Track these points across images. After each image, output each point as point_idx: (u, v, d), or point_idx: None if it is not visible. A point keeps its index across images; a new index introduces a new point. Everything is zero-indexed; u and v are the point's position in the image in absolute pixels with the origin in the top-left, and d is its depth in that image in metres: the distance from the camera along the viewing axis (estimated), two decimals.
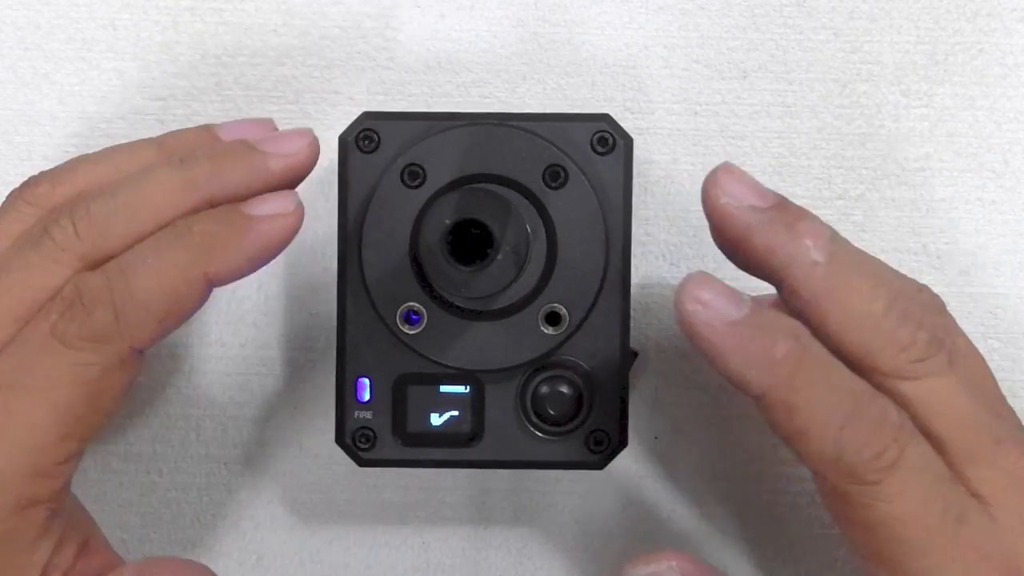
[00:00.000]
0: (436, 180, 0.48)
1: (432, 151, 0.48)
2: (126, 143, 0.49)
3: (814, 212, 0.53)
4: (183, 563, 0.45)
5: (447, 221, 0.45)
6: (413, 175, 0.48)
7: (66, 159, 0.54)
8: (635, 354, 0.50)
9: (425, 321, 0.48)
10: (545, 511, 0.56)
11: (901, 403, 0.43)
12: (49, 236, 0.44)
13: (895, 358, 0.42)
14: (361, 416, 0.49)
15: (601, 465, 0.49)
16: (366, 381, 0.49)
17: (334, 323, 0.49)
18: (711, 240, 0.52)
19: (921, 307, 0.43)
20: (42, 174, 0.47)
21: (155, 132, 0.54)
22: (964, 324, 0.53)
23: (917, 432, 0.42)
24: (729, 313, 0.41)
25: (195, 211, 0.44)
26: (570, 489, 0.56)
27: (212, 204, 0.45)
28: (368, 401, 0.49)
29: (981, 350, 0.53)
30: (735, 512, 0.55)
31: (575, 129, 0.48)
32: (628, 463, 0.55)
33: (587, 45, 0.55)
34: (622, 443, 0.49)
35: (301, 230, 0.53)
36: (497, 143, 0.48)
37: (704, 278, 0.42)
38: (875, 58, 0.55)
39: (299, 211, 0.45)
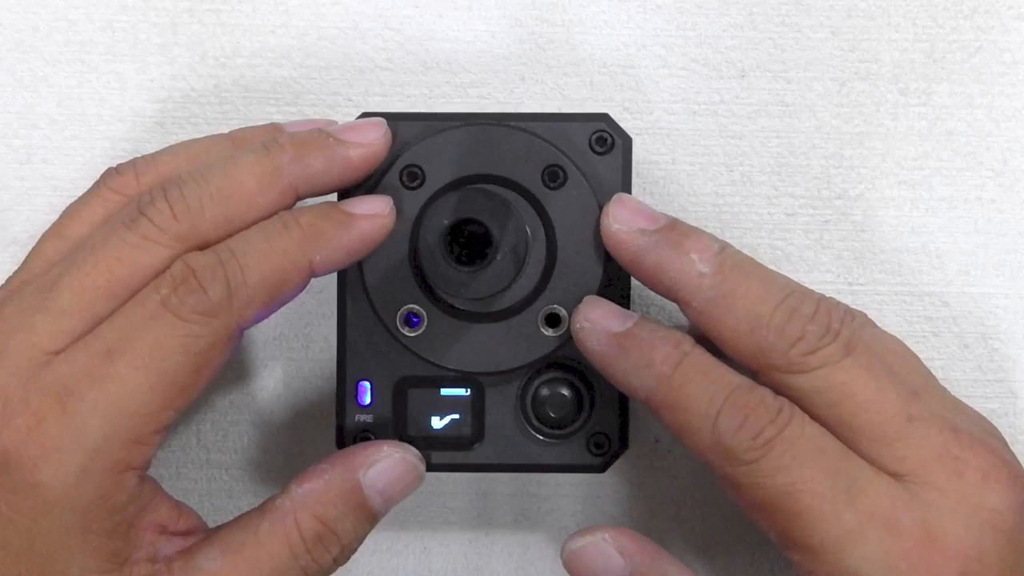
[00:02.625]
0: (435, 181, 0.48)
1: (431, 152, 0.48)
2: (199, 138, 0.50)
3: (813, 212, 0.53)
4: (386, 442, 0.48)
5: (446, 222, 0.45)
6: (412, 176, 0.48)
7: (65, 161, 0.54)
8: None
9: (425, 323, 0.48)
10: (546, 514, 0.56)
11: (799, 396, 0.44)
12: (145, 216, 0.45)
13: (786, 354, 0.44)
14: (362, 419, 0.49)
15: (602, 468, 0.49)
16: (367, 384, 0.49)
17: (334, 326, 0.49)
18: None
19: (814, 306, 0.45)
20: (125, 164, 0.49)
21: (154, 135, 0.55)
22: (964, 324, 0.54)
23: (800, 415, 0.44)
24: (612, 327, 0.46)
25: (283, 198, 0.46)
26: (571, 492, 0.56)
27: (297, 191, 0.46)
28: (369, 404, 0.49)
29: (981, 350, 0.53)
30: (736, 515, 0.55)
31: (574, 129, 0.48)
32: (629, 466, 0.55)
33: (585, 45, 0.55)
34: (623, 446, 0.49)
35: None
36: (496, 143, 0.48)
37: (595, 301, 0.47)
38: (873, 56, 0.55)
39: (393, 213, 0.47)
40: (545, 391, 0.49)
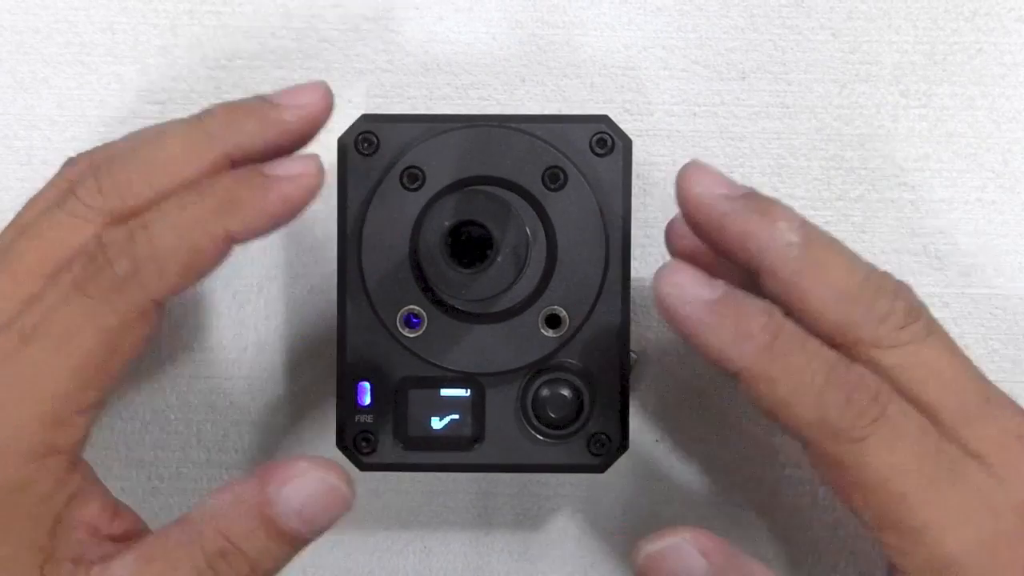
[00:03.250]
0: (435, 182, 0.48)
1: (431, 153, 0.48)
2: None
3: (813, 213, 0.54)
4: (312, 458, 0.45)
5: (447, 223, 0.45)
6: (412, 177, 0.48)
7: None
8: (635, 356, 0.50)
9: (425, 324, 0.48)
10: (547, 514, 0.56)
11: (886, 372, 0.44)
12: (73, 195, 0.44)
13: (876, 328, 0.43)
14: (362, 420, 0.49)
15: (602, 468, 0.49)
16: (367, 385, 0.49)
17: (334, 327, 0.49)
18: None
19: (895, 284, 0.45)
20: (81, 153, 0.48)
21: None
22: (965, 325, 0.54)
23: (896, 394, 0.43)
24: (704, 293, 0.43)
25: (214, 167, 0.45)
26: (571, 492, 0.56)
27: (231, 160, 0.45)
28: (369, 405, 0.49)
29: (981, 351, 0.53)
30: (736, 515, 0.55)
31: (574, 131, 0.48)
32: (629, 466, 0.55)
33: (586, 47, 0.55)
34: (623, 446, 0.49)
35: (300, 233, 0.53)
36: (496, 145, 0.48)
37: (679, 264, 0.43)
38: (874, 58, 0.55)
39: (319, 172, 0.44)
40: (545, 391, 0.48)
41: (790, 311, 0.44)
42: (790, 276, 0.44)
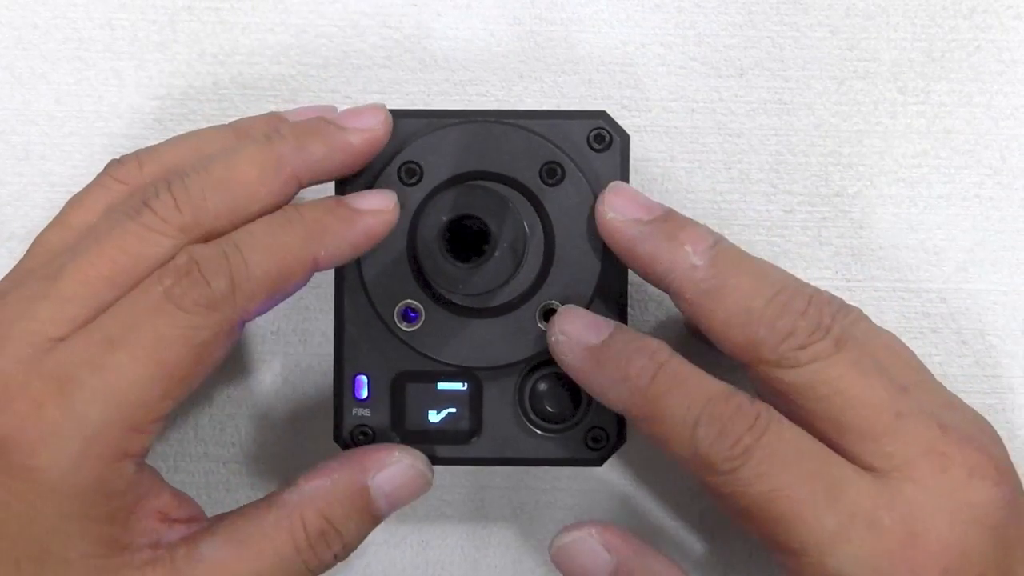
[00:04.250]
0: (433, 177, 0.48)
1: (429, 148, 0.48)
2: (200, 129, 0.50)
3: (811, 209, 0.53)
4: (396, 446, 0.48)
5: (444, 218, 0.45)
6: (410, 172, 0.48)
7: (63, 157, 0.54)
8: None
9: (423, 318, 0.48)
10: (544, 508, 0.56)
11: (788, 391, 0.45)
12: (149, 207, 0.45)
13: (776, 348, 0.45)
14: (359, 414, 0.49)
15: (600, 462, 0.49)
16: (364, 379, 0.49)
17: (332, 321, 0.49)
18: None
19: (806, 301, 0.46)
20: (128, 154, 0.49)
21: (152, 132, 0.55)
22: (962, 321, 0.54)
23: (779, 418, 0.44)
24: (588, 339, 0.46)
25: (285, 188, 0.46)
26: (569, 486, 0.56)
27: (299, 180, 0.46)
28: (366, 399, 0.49)
29: (979, 347, 0.53)
30: None
31: (572, 126, 0.48)
32: (626, 460, 0.55)
33: (583, 43, 0.55)
34: (620, 440, 0.49)
35: None
36: (494, 140, 0.48)
37: (571, 312, 0.47)
38: (872, 55, 0.55)
39: (397, 209, 0.47)
40: (543, 385, 0.49)
41: (703, 333, 0.46)
42: (695, 297, 0.46)
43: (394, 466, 0.47)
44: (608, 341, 0.46)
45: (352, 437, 0.49)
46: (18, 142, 0.55)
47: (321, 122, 0.47)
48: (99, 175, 0.48)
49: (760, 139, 0.55)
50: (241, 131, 0.49)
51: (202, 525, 0.46)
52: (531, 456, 0.49)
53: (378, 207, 0.46)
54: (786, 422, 0.44)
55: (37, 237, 0.48)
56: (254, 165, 0.46)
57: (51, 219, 0.48)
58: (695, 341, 0.52)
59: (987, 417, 0.47)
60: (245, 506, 0.47)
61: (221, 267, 0.44)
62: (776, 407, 0.45)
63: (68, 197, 0.48)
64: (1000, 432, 0.47)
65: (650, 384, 0.45)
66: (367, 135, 0.47)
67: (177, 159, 0.48)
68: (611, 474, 0.55)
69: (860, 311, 0.47)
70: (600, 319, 0.47)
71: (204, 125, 0.54)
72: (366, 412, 0.49)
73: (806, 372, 0.45)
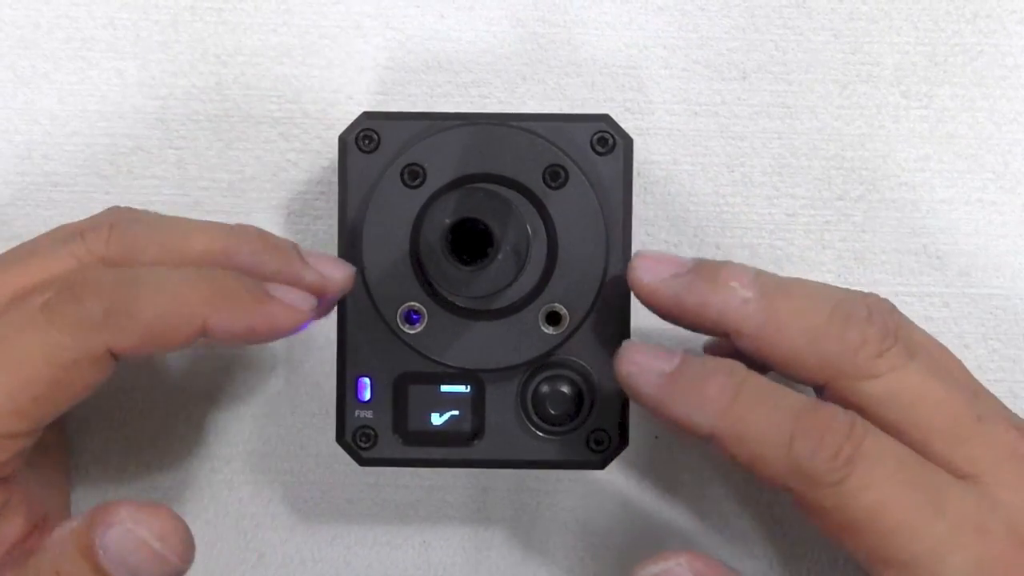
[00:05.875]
0: (436, 180, 0.48)
1: (432, 151, 0.48)
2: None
3: (814, 212, 0.54)
4: (141, 506, 0.44)
5: (447, 220, 0.45)
6: (413, 175, 0.48)
7: (66, 157, 0.54)
8: None
9: (426, 320, 0.48)
10: (546, 510, 0.56)
11: (871, 403, 0.44)
12: (82, 237, 0.45)
13: (852, 360, 0.44)
14: (362, 415, 0.49)
15: (602, 465, 0.49)
16: (367, 380, 0.49)
17: (335, 322, 0.49)
18: (711, 240, 0.53)
19: (866, 309, 0.45)
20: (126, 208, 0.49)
21: (155, 132, 0.55)
22: (964, 325, 0.54)
23: (872, 427, 0.43)
24: (662, 367, 0.44)
25: (224, 262, 0.46)
26: (571, 488, 0.55)
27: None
28: (369, 400, 0.49)
29: (981, 351, 0.53)
30: (735, 512, 0.55)
31: (575, 129, 0.48)
32: (628, 463, 0.55)
33: (587, 45, 0.55)
34: (622, 443, 0.49)
35: (302, 230, 0.53)
36: (497, 143, 0.48)
37: (636, 344, 0.46)
38: (875, 59, 0.55)
39: (310, 315, 0.45)
40: (545, 388, 0.49)
41: (769, 365, 0.45)
42: (755, 331, 0.45)
43: (118, 527, 0.43)
44: (681, 366, 0.44)
45: (355, 438, 0.49)
46: (21, 141, 0.55)
47: (291, 247, 0.47)
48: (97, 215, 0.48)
49: (763, 142, 0.55)
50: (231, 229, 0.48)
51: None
52: (533, 458, 0.49)
53: (291, 302, 0.45)
54: (876, 429, 0.43)
55: None
56: (205, 240, 0.46)
57: (53, 219, 0.48)
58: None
59: None
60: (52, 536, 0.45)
61: (104, 291, 0.43)
62: None
63: (71, 197, 0.48)
64: None
65: (733, 402, 0.43)
66: (320, 279, 0.47)
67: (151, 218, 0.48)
68: (613, 477, 0.55)
69: (907, 318, 0.46)
70: (665, 347, 0.45)
71: (207, 125, 0.55)
72: (369, 414, 0.49)
73: (887, 381, 0.44)
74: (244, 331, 0.44)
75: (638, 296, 0.47)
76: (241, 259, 0.46)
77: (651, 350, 0.45)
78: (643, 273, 0.46)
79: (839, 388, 0.44)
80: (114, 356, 0.43)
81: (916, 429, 0.44)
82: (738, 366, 0.44)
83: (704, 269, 0.46)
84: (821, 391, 0.45)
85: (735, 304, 0.45)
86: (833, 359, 0.44)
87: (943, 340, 0.47)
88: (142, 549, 0.43)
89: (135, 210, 0.48)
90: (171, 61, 0.55)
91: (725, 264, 0.46)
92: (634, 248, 0.49)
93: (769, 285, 0.45)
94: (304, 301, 0.45)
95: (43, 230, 0.49)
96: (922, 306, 0.54)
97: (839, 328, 0.44)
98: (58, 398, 0.43)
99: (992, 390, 0.47)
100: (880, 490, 0.42)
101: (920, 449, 0.44)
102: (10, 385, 0.42)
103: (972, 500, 0.43)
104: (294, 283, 0.46)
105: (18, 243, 0.53)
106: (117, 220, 0.46)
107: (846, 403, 0.44)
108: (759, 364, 0.45)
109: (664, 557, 0.45)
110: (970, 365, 0.47)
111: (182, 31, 0.55)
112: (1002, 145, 0.55)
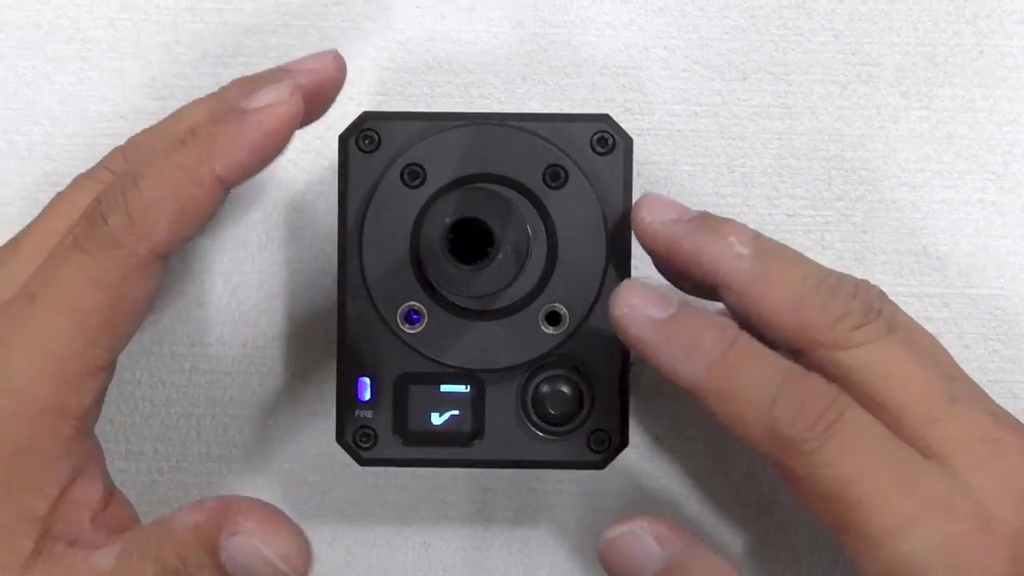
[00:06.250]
0: (436, 180, 0.48)
1: (432, 151, 0.48)
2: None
3: (814, 213, 0.54)
4: (263, 519, 0.44)
5: (447, 220, 0.45)
6: (413, 175, 0.48)
7: (67, 158, 0.54)
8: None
9: (426, 320, 0.48)
10: (546, 511, 0.56)
11: (847, 373, 0.44)
12: (101, 164, 0.46)
13: (832, 329, 0.44)
14: (362, 415, 0.49)
15: (602, 465, 0.49)
16: (367, 380, 0.49)
17: (335, 322, 0.49)
18: None
19: (854, 287, 0.45)
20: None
21: None
22: (964, 325, 0.54)
23: (852, 401, 0.43)
24: (655, 313, 0.44)
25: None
26: (571, 489, 0.56)
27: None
28: (369, 400, 0.49)
29: (981, 351, 0.53)
30: (736, 512, 0.55)
31: (575, 129, 0.48)
32: (629, 463, 0.55)
33: (587, 46, 0.55)
34: (623, 443, 0.49)
35: (301, 229, 0.53)
36: (497, 143, 0.48)
37: (634, 285, 0.45)
38: (875, 60, 0.55)
39: (295, 98, 0.45)
40: (545, 388, 0.48)
41: (750, 322, 0.45)
42: (743, 287, 0.45)
43: (241, 537, 0.43)
44: (677, 314, 0.44)
45: (355, 439, 0.49)
46: (21, 142, 0.55)
47: (275, 69, 0.48)
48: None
49: (763, 143, 0.55)
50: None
51: (105, 535, 0.44)
52: (533, 459, 0.49)
53: (269, 101, 0.44)
54: (856, 404, 0.43)
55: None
56: (198, 111, 0.47)
57: None
58: None
59: None
60: (149, 522, 0.45)
61: (117, 202, 0.43)
62: None
63: None
64: None
65: (724, 356, 0.43)
66: (312, 75, 0.47)
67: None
68: (613, 477, 0.55)
69: (896, 304, 0.47)
70: (664, 294, 0.45)
71: None
72: (369, 414, 0.49)
73: (864, 352, 0.44)
74: (250, 158, 0.44)
75: (637, 234, 0.47)
76: (229, 105, 0.46)
77: (649, 293, 0.45)
78: (647, 212, 0.46)
79: (816, 356, 0.45)
80: (157, 256, 0.44)
81: (889, 403, 0.44)
82: (731, 323, 0.45)
83: (707, 220, 0.46)
84: (798, 358, 0.45)
85: (729, 257, 0.45)
86: (812, 325, 0.44)
87: (943, 340, 0.47)
88: (265, 566, 0.43)
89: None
90: (172, 62, 0.55)
91: (728, 220, 0.46)
92: (634, 248, 0.49)
93: (766, 247, 0.46)
94: (280, 91, 0.44)
95: None
96: (922, 306, 0.55)
97: (823, 298, 0.44)
98: (121, 317, 0.44)
99: (992, 390, 0.47)
100: (853, 462, 0.42)
101: (892, 425, 0.44)
102: (70, 320, 0.43)
103: (942, 480, 0.43)
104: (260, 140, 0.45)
105: None
106: (123, 146, 0.47)
107: (821, 372, 0.44)
108: (741, 324, 0.45)
109: (628, 519, 0.46)
110: (970, 365, 0.47)
111: (183, 32, 0.55)
112: (1002, 146, 0.55)
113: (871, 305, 0.45)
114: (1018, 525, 0.43)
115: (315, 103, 0.47)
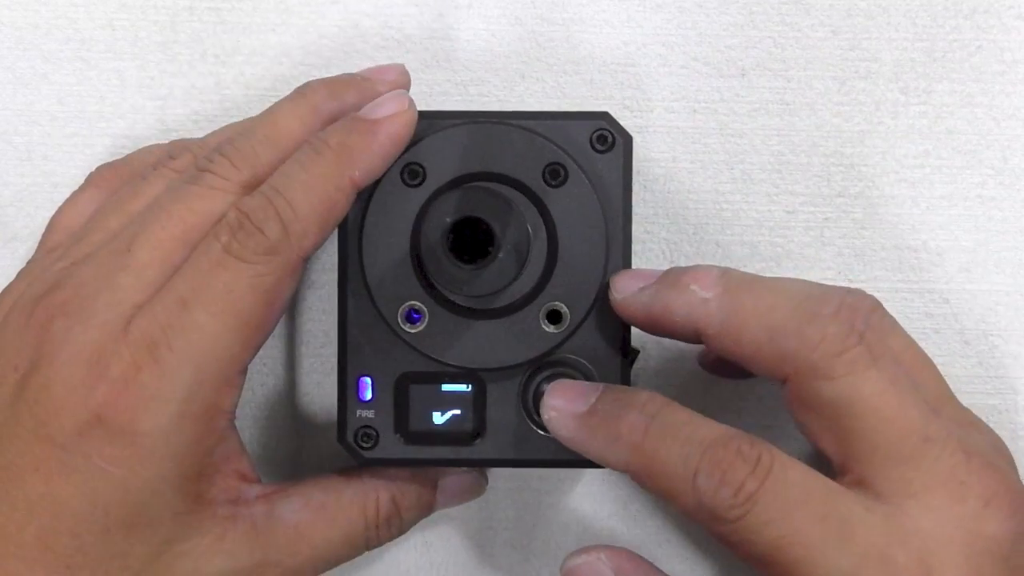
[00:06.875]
0: (436, 179, 0.48)
1: (432, 150, 0.48)
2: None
3: (813, 209, 0.54)
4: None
5: (448, 219, 0.45)
6: (413, 174, 0.48)
7: (66, 158, 0.54)
8: (636, 352, 0.50)
9: (426, 320, 0.48)
10: (547, 509, 0.56)
11: (823, 405, 0.44)
12: (208, 170, 0.47)
13: (809, 358, 0.44)
14: (363, 415, 0.49)
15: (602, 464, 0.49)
16: (368, 380, 0.49)
17: (335, 322, 0.49)
18: (711, 237, 0.53)
19: (835, 306, 0.44)
20: (176, 144, 0.52)
21: (154, 131, 0.55)
22: (964, 321, 0.54)
23: (782, 460, 0.43)
24: (576, 408, 0.46)
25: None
26: (572, 487, 0.56)
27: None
28: (370, 400, 0.49)
29: (982, 347, 0.53)
30: None
31: (574, 127, 0.48)
32: None
33: (585, 43, 0.55)
34: None
35: None
36: (496, 141, 0.48)
37: (557, 387, 0.47)
38: (873, 55, 0.55)
39: (413, 107, 0.48)
40: (546, 387, 0.48)
41: (738, 362, 0.46)
42: (717, 329, 0.45)
43: (459, 473, 0.52)
44: (596, 405, 0.46)
45: (356, 438, 0.49)
46: (20, 143, 0.55)
47: (348, 76, 0.50)
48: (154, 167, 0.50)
49: (762, 139, 0.55)
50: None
51: (273, 487, 0.48)
52: (535, 457, 0.49)
53: (394, 111, 0.47)
54: (790, 461, 0.43)
55: (54, 217, 0.51)
56: (290, 116, 0.48)
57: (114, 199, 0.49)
58: (706, 375, 0.52)
59: (990, 419, 0.47)
60: (320, 476, 0.49)
61: (269, 213, 0.45)
62: (809, 425, 0.45)
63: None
64: (1003, 433, 0.47)
65: (644, 439, 0.45)
66: (391, 87, 0.49)
67: (232, 131, 0.50)
68: (613, 477, 0.55)
69: (892, 319, 0.46)
70: (589, 385, 0.47)
71: (207, 126, 0.55)
72: (370, 413, 0.49)
73: (842, 385, 0.44)
74: (382, 162, 0.47)
75: (617, 314, 0.48)
76: (325, 113, 0.49)
77: (570, 391, 0.47)
78: (615, 291, 0.48)
79: (798, 385, 0.44)
80: (306, 259, 0.46)
81: (860, 441, 0.44)
82: (656, 398, 0.46)
83: (668, 276, 0.47)
84: (785, 387, 0.45)
85: (696, 305, 0.45)
86: (791, 355, 0.44)
87: (943, 337, 0.47)
88: (472, 488, 0.53)
89: (192, 140, 0.52)
90: (170, 61, 0.55)
91: (690, 268, 0.47)
92: (634, 246, 0.49)
93: (733, 283, 0.46)
94: (401, 100, 0.48)
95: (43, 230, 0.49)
96: (922, 302, 0.55)
97: (799, 323, 0.44)
98: (272, 318, 0.46)
99: (992, 387, 0.47)
100: (782, 525, 0.42)
101: (857, 460, 0.44)
102: (233, 324, 0.45)
103: (883, 531, 0.43)
104: (376, 96, 0.49)
105: (17, 244, 0.53)
106: (215, 147, 0.48)
107: (804, 401, 0.44)
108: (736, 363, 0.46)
109: (587, 550, 0.48)
110: (970, 362, 0.47)
111: (181, 31, 0.55)
112: (1001, 141, 0.55)
113: (853, 325, 0.44)
114: (966, 571, 0.43)
115: None
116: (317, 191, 0.46)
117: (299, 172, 0.46)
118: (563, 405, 0.46)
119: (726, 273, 0.46)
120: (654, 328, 0.47)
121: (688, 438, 0.44)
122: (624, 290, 0.47)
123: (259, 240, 0.45)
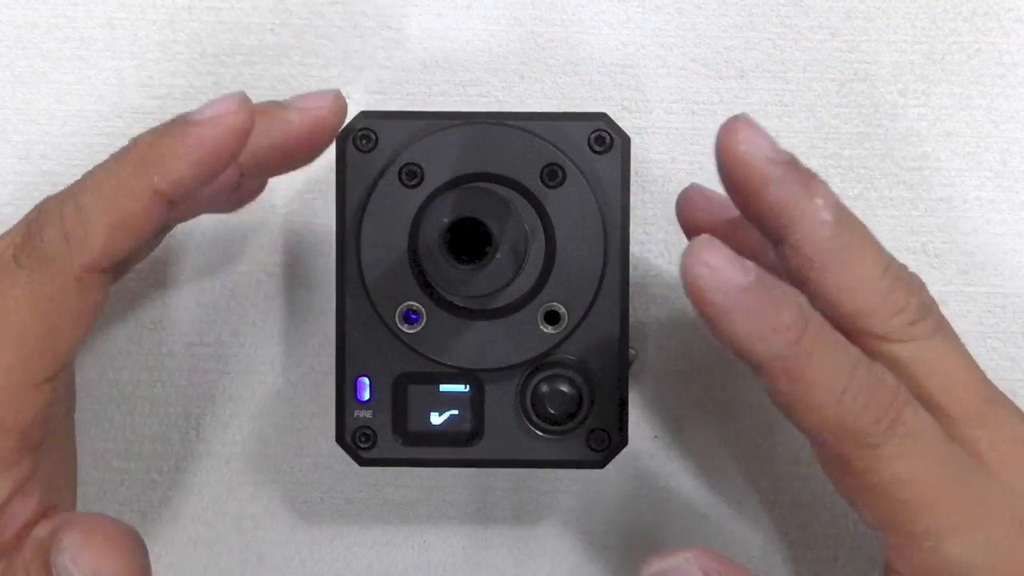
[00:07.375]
0: (434, 179, 0.48)
1: (430, 150, 0.48)
2: None
3: None
4: (88, 534, 0.43)
5: (446, 220, 0.45)
6: (411, 174, 0.48)
7: (64, 157, 0.54)
8: (634, 353, 0.50)
9: (424, 320, 0.48)
10: (546, 510, 0.56)
11: (894, 367, 0.43)
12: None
13: (889, 321, 0.43)
14: (361, 415, 0.49)
15: (602, 464, 0.49)
16: (366, 380, 0.49)
17: (333, 322, 0.49)
18: None
19: (911, 277, 0.44)
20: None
21: None
22: (963, 323, 0.54)
23: (911, 396, 0.42)
24: (737, 278, 0.39)
25: None
26: (570, 488, 0.56)
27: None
28: (368, 400, 0.49)
29: (980, 350, 0.53)
30: (735, 511, 0.55)
31: (572, 128, 0.48)
32: (628, 462, 0.55)
33: (584, 44, 0.55)
34: (622, 442, 0.49)
35: (301, 228, 0.53)
36: (495, 142, 0.48)
37: (712, 243, 0.39)
38: (872, 57, 0.55)
39: (243, 111, 0.42)
40: (545, 387, 0.48)
41: (804, 289, 0.42)
42: (816, 254, 0.42)
43: (64, 554, 0.42)
44: (757, 282, 0.39)
45: (354, 439, 0.49)
46: (19, 141, 0.55)
47: (272, 104, 0.45)
48: None
49: None
50: None
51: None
52: (533, 458, 0.49)
53: (214, 113, 0.42)
54: (914, 400, 0.42)
55: None
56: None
57: None
58: (705, 376, 0.52)
59: None
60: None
61: (53, 217, 0.42)
62: None
63: None
64: None
65: (800, 338, 0.40)
66: (308, 115, 0.45)
67: None
68: (613, 477, 0.55)
69: None
70: (736, 255, 0.40)
71: None
72: (368, 414, 0.49)
73: (914, 348, 0.43)
74: (193, 172, 0.42)
75: (722, 158, 0.42)
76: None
77: (727, 252, 0.39)
78: (741, 140, 0.42)
79: (864, 344, 0.42)
80: (95, 271, 0.42)
81: (935, 400, 0.43)
82: (804, 300, 0.41)
83: (797, 170, 0.42)
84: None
85: (812, 220, 0.42)
86: (872, 313, 0.42)
87: None
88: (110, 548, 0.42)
89: None
90: (169, 61, 0.55)
91: (815, 176, 0.43)
92: (632, 246, 0.49)
93: (845, 219, 0.43)
94: (228, 103, 0.42)
95: None
96: None
97: (888, 286, 0.43)
98: (59, 334, 0.43)
99: None
100: (909, 462, 0.41)
101: (938, 421, 0.43)
102: (9, 335, 0.42)
103: (986, 481, 0.43)
104: (286, 133, 0.45)
105: None
106: None
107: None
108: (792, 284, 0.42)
109: (671, 553, 0.43)
110: None
111: (180, 31, 0.55)
112: (1000, 143, 0.55)
113: (924, 302, 0.44)
114: None
115: (310, 141, 0.46)
116: (109, 196, 0.42)
117: (98, 173, 0.42)
118: (722, 266, 0.39)
119: (840, 203, 0.43)
120: (746, 201, 0.42)
121: (839, 352, 0.41)
122: (753, 146, 0.41)
123: (36, 246, 0.42)
